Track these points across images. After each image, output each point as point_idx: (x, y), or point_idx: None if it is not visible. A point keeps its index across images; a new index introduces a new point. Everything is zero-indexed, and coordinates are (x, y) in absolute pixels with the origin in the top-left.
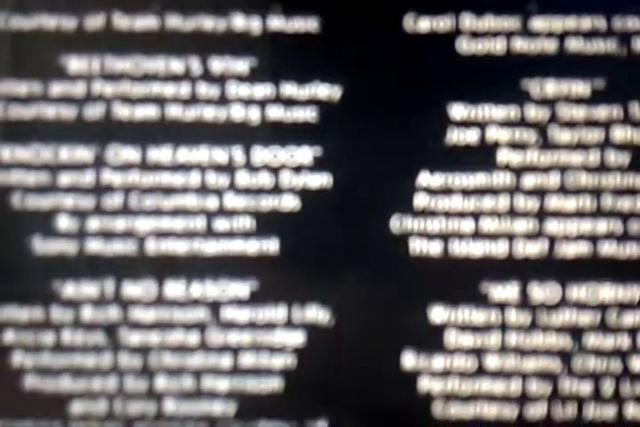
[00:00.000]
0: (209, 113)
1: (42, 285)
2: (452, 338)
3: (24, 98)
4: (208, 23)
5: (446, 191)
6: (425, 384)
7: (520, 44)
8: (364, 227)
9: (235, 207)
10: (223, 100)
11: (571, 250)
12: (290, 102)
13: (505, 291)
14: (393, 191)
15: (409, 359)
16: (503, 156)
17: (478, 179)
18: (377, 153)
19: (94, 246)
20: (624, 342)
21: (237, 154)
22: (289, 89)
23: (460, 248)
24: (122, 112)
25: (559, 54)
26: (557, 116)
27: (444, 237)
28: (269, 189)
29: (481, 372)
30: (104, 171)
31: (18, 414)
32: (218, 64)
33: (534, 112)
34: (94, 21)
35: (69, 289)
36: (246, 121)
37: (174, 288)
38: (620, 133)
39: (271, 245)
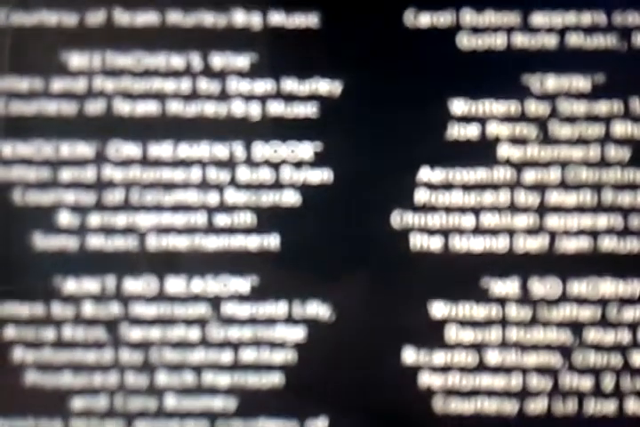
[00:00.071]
0: (210, 109)
1: (43, 280)
2: (452, 333)
3: (25, 94)
4: (209, 19)
5: (447, 186)
6: (425, 380)
7: (520, 40)
8: (364, 222)
9: (235, 203)
10: (224, 96)
11: (571, 245)
12: (290, 98)
13: (505, 286)
14: (393, 187)
15: (409, 355)
16: (504, 151)
17: (479, 174)
18: (377, 148)
19: (95, 242)
20: (624, 337)
21: (238, 149)
22: (289, 84)
23: (460, 243)
24: (123, 108)
25: (559, 49)
26: (558, 112)
27: (445, 233)
28: (270, 185)
29: (481, 367)
30: (105, 166)
31: (18, 410)
32: (218, 60)
33: (535, 107)
34: (95, 17)
35: (70, 285)
36: (247, 116)
37: (175, 284)
38: (620, 128)
39: (272, 241)
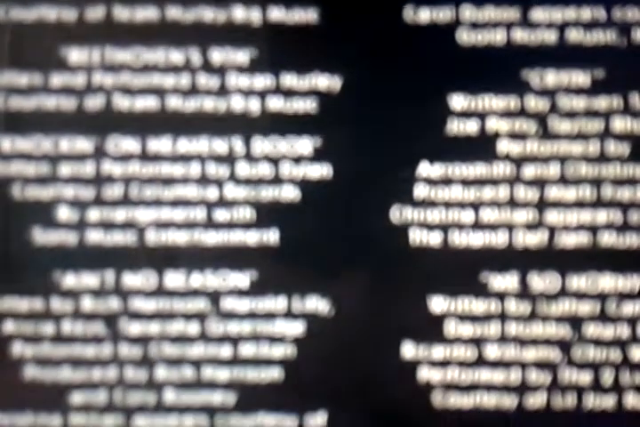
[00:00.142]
0: (209, 104)
1: (42, 275)
2: (451, 328)
3: (24, 89)
4: (208, 14)
5: (446, 182)
6: (424, 374)
7: (520, 35)
8: (363, 217)
9: (235, 198)
10: (223, 91)
11: (570, 240)
12: (290, 93)
13: (505, 281)
14: (393, 182)
15: (409, 349)
16: (503, 146)
17: (478, 169)
18: (377, 144)
19: (94, 237)
20: (624, 331)
21: (237, 145)
22: (289, 80)
23: (459, 238)
24: (122, 103)
25: (559, 45)
26: (557, 107)
27: (444, 228)
28: (269, 180)
29: (480, 362)
30: (104, 162)
31: (17, 405)
32: (218, 55)
33: (534, 103)
34: (94, 13)
35: (69, 280)
36: (246, 112)
37: (174, 279)
38: (620, 124)
39: (271, 236)
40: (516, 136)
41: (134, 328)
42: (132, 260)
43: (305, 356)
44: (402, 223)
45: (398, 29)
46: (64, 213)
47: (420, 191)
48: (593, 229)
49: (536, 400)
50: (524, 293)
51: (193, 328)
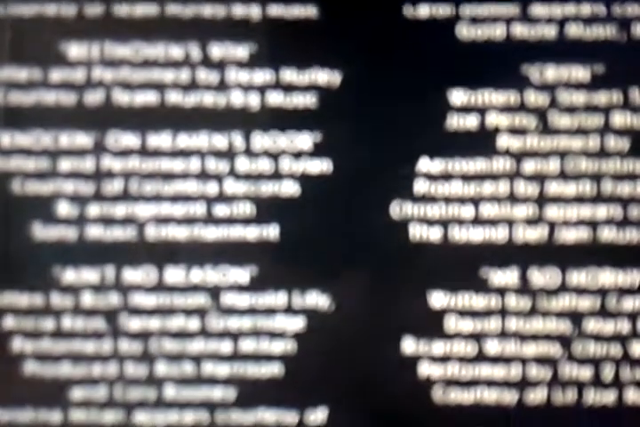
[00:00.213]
0: (209, 99)
1: (42, 271)
2: (451, 323)
3: (24, 84)
4: (208, 9)
5: (446, 177)
6: (425, 370)
7: (520, 30)
8: (363, 213)
9: (235, 193)
10: (223, 86)
11: (570, 235)
12: (290, 88)
13: (505, 276)
14: (393, 177)
15: (409, 345)
16: (503, 141)
17: (478, 164)
18: (377, 139)
19: (94, 232)
20: (624, 326)
21: (237, 140)
22: (289, 75)
23: (459, 234)
24: (122, 98)
25: (559, 40)
26: (557, 102)
27: (444, 223)
28: (269, 175)
29: (481, 357)
30: (104, 157)
31: (17, 400)
32: (217, 50)
33: (534, 97)
34: (94, 8)
35: (69, 275)
36: (246, 107)
37: (174, 274)
38: (619, 119)
39: (271, 231)
40: (515, 131)
41: (134, 324)
42: (132, 255)
43: (305, 351)
44: (402, 219)
45: (398, 24)
46: (64, 209)
47: (420, 187)
48: (593, 225)
49: (536, 396)
50: (525, 288)
51: (193, 324)
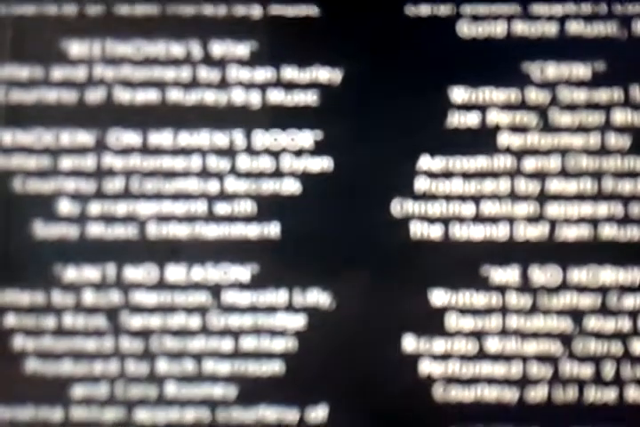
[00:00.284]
0: (210, 97)
1: (43, 269)
2: (452, 321)
3: (25, 82)
4: (209, 7)
5: (447, 175)
6: (426, 367)
7: (521, 28)
8: (364, 210)
9: (236, 191)
10: (224, 84)
11: (571, 233)
12: (291, 86)
13: (505, 274)
14: (394, 175)
15: (410, 342)
16: (504, 139)
17: (479, 162)
18: (378, 137)
19: (95, 230)
20: (625, 324)
21: (238, 138)
22: (290, 73)
23: (460, 231)
24: (123, 96)
25: (560, 37)
26: (558, 99)
27: (445, 221)
28: (270, 173)
29: (481, 355)
30: (105, 155)
31: (19, 398)
32: (218, 48)
33: (535, 95)
34: (95, 6)
35: (71, 273)
36: (247, 105)
37: (175, 272)
38: (620, 116)
39: (272, 229)
40: (516, 129)
41: (135, 322)
42: (133, 253)
43: (306, 349)
44: (403, 216)
45: (399, 22)
46: (65, 207)
47: (421, 184)
48: (594, 222)
49: (537, 394)
50: (525, 286)
51: (194, 322)
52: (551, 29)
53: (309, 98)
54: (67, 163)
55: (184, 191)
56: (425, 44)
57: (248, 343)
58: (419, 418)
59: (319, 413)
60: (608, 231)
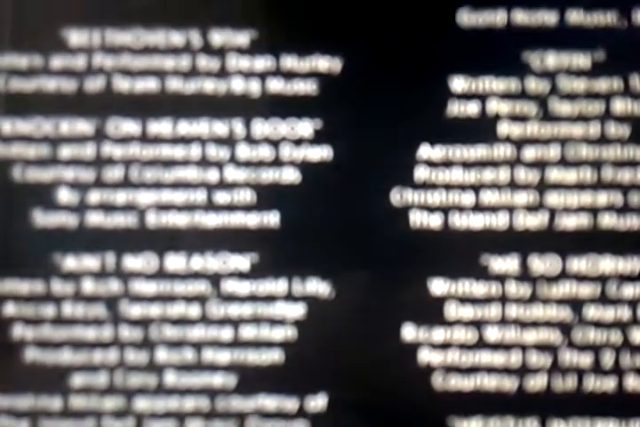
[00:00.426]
0: (209, 86)
1: (42, 257)
2: (452, 310)
3: (25, 71)
4: None
5: (447, 164)
6: (425, 356)
7: (520, 17)
8: (364, 200)
9: (235, 180)
10: (223, 73)
11: (571, 222)
12: (290, 75)
13: (505, 263)
14: (393, 164)
15: (409, 332)
16: (504, 128)
17: (479, 151)
18: (377, 126)
19: (95, 219)
20: (624, 313)
21: (238, 127)
22: (289, 61)
23: (460, 221)
24: (122, 85)
25: (560, 27)
26: (558, 89)
27: (445, 210)
28: (270, 162)
29: (481, 344)
30: (104, 144)
31: (18, 387)
32: (218, 37)
33: (535, 84)
34: None
35: (70, 262)
36: (246, 94)
37: (175, 261)
38: (620, 106)
39: (272, 218)
40: (516, 118)
41: (135, 311)
42: (132, 242)
43: (305, 338)
44: (402, 205)
45: (399, 11)
46: (64, 196)
47: (421, 173)
48: (593, 211)
49: (536, 383)
50: (525, 275)
51: (194, 311)
52: (551, 19)
53: (309, 87)
54: (66, 152)
55: (183, 180)
56: (425, 33)
57: (247, 332)
58: (418, 407)
59: (318, 402)
60: (608, 220)
